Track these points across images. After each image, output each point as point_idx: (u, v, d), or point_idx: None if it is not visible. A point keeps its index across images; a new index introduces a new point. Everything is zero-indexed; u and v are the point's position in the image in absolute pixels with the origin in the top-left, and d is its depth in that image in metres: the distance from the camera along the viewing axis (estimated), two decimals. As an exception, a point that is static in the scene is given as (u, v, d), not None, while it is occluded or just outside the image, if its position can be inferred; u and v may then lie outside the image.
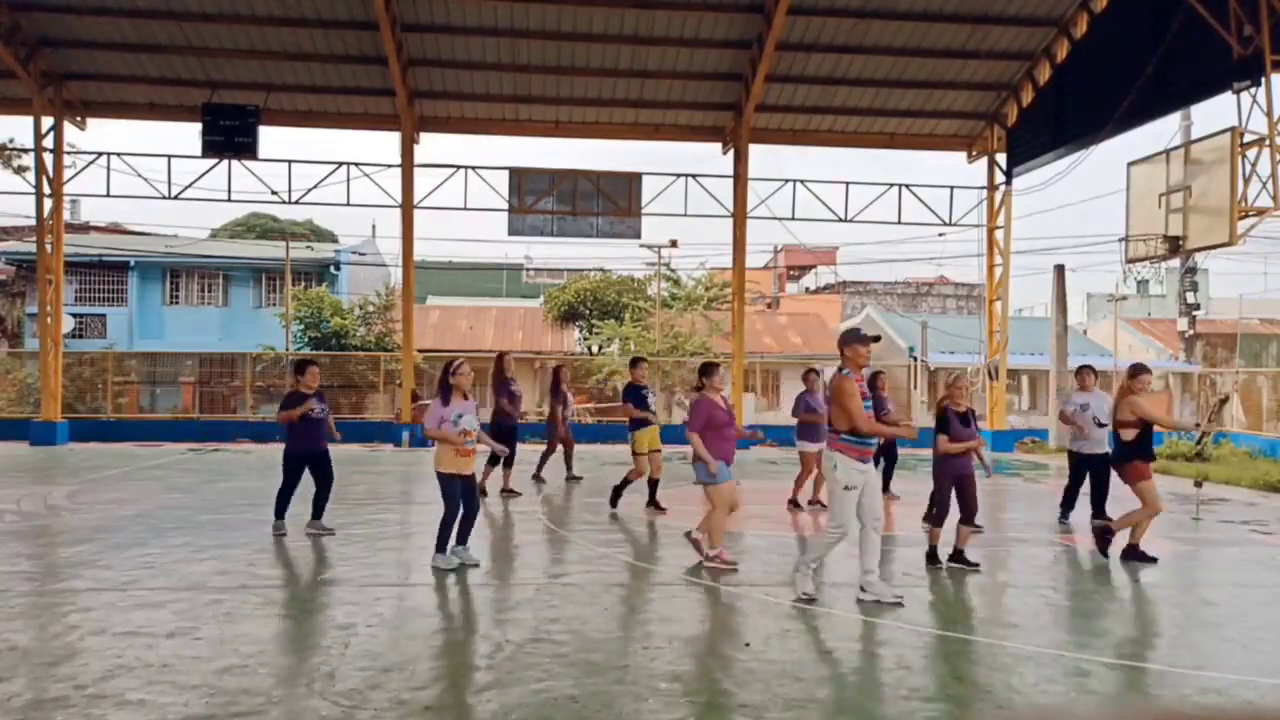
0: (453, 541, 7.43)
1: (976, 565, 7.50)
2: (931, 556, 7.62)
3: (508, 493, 11.32)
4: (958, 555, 7.57)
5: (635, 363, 11.09)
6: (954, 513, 7.66)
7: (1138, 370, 8.20)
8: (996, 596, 6.84)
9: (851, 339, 6.49)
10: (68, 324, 23.90)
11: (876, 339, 6.65)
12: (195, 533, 8.74)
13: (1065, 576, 7.62)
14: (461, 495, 7.35)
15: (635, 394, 10.53)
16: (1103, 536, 8.07)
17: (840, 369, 6.50)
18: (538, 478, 12.62)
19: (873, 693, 4.76)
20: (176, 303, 32.06)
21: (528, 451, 13.38)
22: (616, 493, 10.40)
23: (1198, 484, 11.03)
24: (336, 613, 6.06)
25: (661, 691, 4.63)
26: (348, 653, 5.20)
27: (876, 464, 9.16)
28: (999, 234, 20.47)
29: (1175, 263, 26.51)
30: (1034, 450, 19.36)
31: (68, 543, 8.32)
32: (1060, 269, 19.97)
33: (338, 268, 33.00)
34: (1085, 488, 9.70)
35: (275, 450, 17.59)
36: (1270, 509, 11.50)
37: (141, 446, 18.12)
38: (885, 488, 10.94)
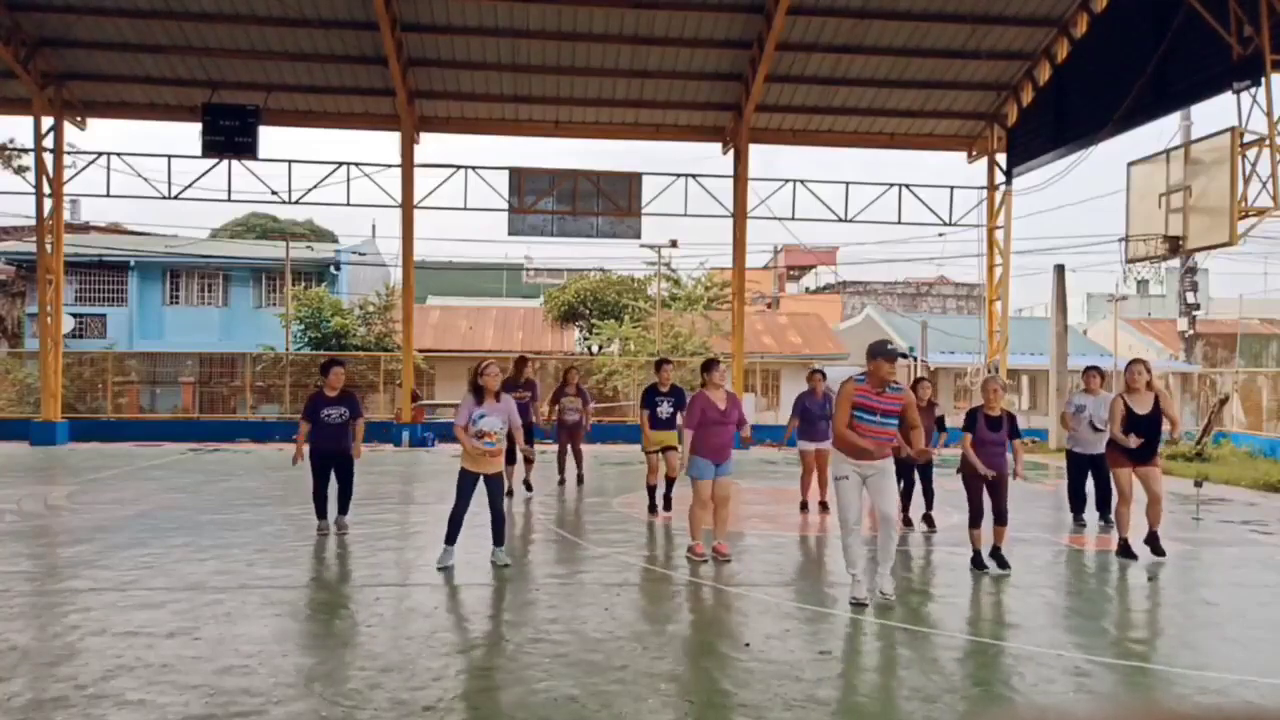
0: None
1: (1008, 567, 7.43)
2: (977, 561, 7.52)
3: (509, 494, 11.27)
4: (995, 554, 7.51)
5: (659, 365, 10.06)
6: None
7: (1129, 365, 8.18)
8: (996, 596, 6.83)
9: (875, 353, 6.39)
10: (68, 324, 23.90)
11: (903, 355, 6.64)
12: (195, 533, 8.74)
13: (1065, 576, 7.63)
14: (488, 496, 7.34)
15: (648, 399, 9.82)
16: (1121, 549, 8.05)
17: (855, 375, 6.53)
18: (579, 479, 12.11)
19: (873, 693, 4.76)
20: (176, 303, 32.02)
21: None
22: (651, 500, 10.12)
23: (1198, 484, 11.02)
24: (336, 613, 6.06)
25: (661, 691, 4.63)
26: (348, 653, 5.20)
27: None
28: (999, 234, 20.49)
29: (1175, 263, 26.52)
30: (1034, 450, 19.34)
31: (68, 543, 8.32)
32: (1060, 269, 19.95)
33: (338, 268, 32.96)
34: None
35: (275, 451, 17.74)
36: (1270, 509, 11.49)
37: (141, 446, 18.11)
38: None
